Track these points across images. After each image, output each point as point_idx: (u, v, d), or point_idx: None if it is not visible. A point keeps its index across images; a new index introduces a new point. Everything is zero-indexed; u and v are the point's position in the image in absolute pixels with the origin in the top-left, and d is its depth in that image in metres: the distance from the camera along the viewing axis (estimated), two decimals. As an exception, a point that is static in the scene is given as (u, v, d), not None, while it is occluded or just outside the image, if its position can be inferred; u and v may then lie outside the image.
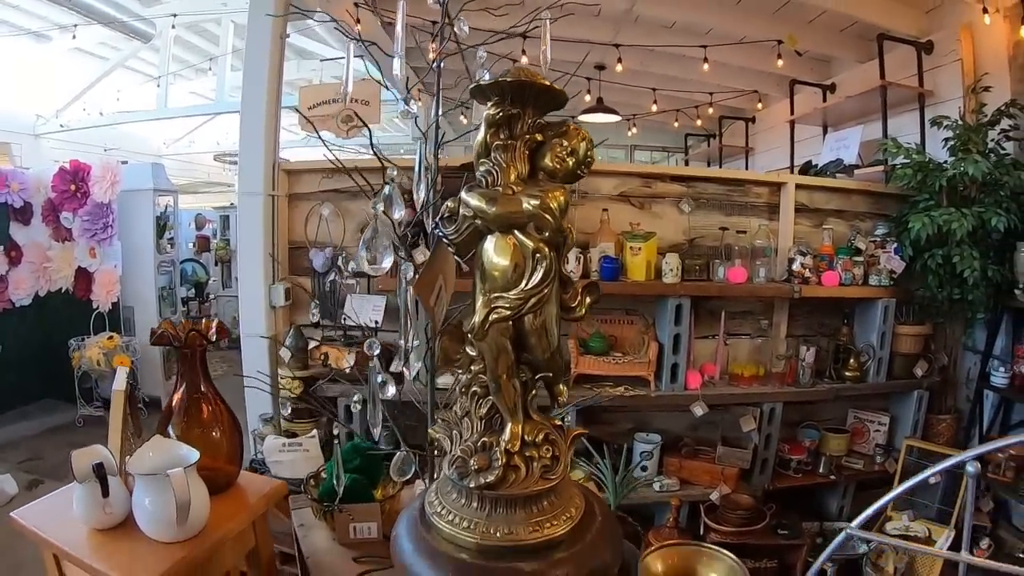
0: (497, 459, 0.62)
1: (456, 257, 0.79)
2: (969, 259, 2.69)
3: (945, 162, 2.90)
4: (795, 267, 2.68)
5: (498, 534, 0.61)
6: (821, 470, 2.89)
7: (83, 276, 4.39)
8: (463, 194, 0.70)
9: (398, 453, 1.21)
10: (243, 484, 1.17)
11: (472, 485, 0.62)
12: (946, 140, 2.94)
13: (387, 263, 1.10)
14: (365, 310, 2.73)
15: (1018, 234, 2.85)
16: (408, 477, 1.18)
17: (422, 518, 0.67)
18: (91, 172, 4.32)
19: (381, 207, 1.11)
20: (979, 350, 3.12)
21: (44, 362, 4.47)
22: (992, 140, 2.89)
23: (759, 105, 5.12)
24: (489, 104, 0.67)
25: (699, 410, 2.65)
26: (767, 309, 2.90)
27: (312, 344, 2.74)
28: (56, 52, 6.05)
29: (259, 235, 2.75)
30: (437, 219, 0.77)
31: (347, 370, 2.60)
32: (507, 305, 0.61)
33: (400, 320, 1.24)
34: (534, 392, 0.67)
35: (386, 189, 1.16)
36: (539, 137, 0.73)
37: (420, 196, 1.19)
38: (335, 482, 1.20)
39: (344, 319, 2.71)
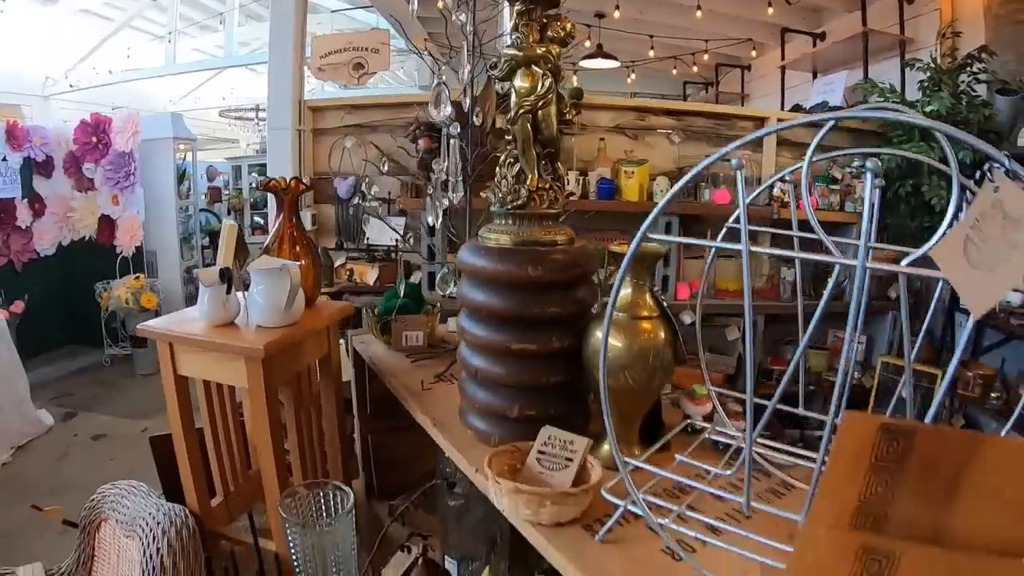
0: (524, 193, 1.06)
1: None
2: (936, 189, 3.13)
3: (917, 101, 3.33)
4: (775, 192, 3.13)
5: (524, 236, 1.05)
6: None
7: (106, 223, 4.84)
8: (504, 49, 1.14)
9: (442, 269, 1.66)
10: (320, 304, 1.62)
11: (509, 207, 1.06)
12: (920, 82, 3.37)
13: (447, 110, 1.50)
14: (386, 231, 3.19)
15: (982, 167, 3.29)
16: (450, 290, 1.63)
17: (476, 240, 1.12)
18: (112, 124, 4.75)
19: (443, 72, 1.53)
20: (952, 278, 3.57)
21: (69, 309, 4.91)
22: (963, 83, 3.31)
23: (753, 53, 5.52)
24: (517, 2, 1.11)
25: (687, 318, 3.11)
26: (751, 232, 3.34)
27: (337, 263, 3.20)
28: (63, 13, 6.45)
29: (287, 166, 3.20)
30: (489, 65, 1.21)
31: (372, 283, 3.07)
32: (528, 104, 1.05)
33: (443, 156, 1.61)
34: (544, 161, 1.11)
35: (436, 84, 1.58)
36: (545, 19, 1.16)
37: (465, 73, 1.60)
38: (391, 302, 1.68)
39: (367, 240, 3.18)
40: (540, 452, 0.90)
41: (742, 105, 6.06)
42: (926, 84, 3.32)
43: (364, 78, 3.58)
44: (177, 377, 1.43)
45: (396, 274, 3.12)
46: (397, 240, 3.16)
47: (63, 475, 3.15)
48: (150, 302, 4.46)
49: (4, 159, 4.23)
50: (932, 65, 3.34)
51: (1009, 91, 3.36)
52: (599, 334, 0.91)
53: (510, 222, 1.07)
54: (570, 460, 0.87)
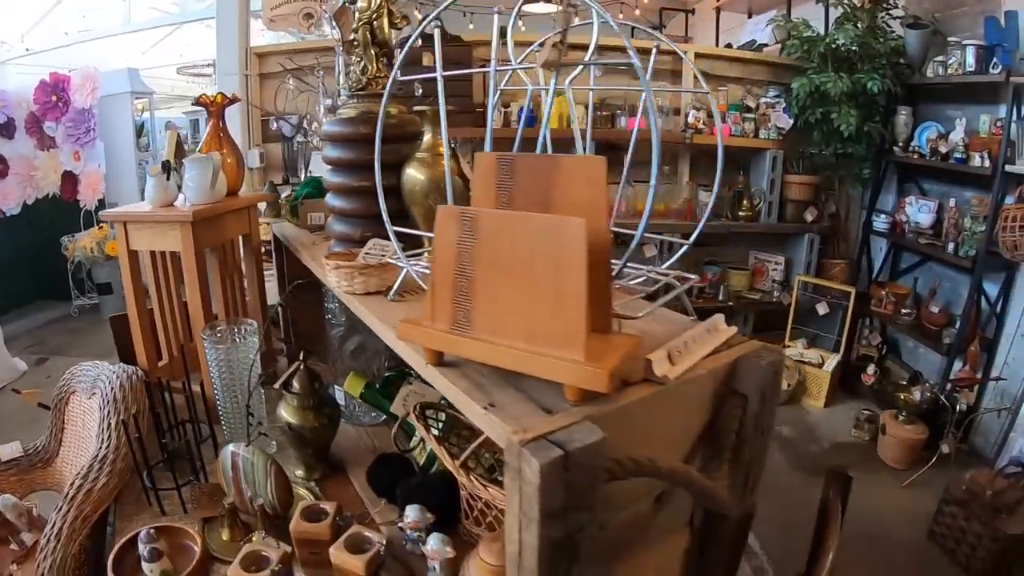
0: (364, 80, 1.49)
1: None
2: (846, 116, 3.55)
3: (827, 35, 3.75)
4: (690, 119, 3.56)
5: (363, 108, 1.48)
6: (720, 297, 3.82)
7: (69, 179, 5.22)
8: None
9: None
10: (243, 193, 2.06)
11: (354, 91, 1.49)
12: (837, 19, 3.79)
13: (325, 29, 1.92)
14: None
15: (899, 99, 3.72)
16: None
17: (334, 116, 1.55)
18: (71, 82, 5.12)
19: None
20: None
21: (36, 265, 5.32)
22: (880, 18, 3.72)
23: (696, -5, 5.95)
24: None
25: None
26: (672, 160, 3.80)
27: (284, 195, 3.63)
28: (15, -24, 6.75)
29: (235, 108, 3.60)
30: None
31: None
32: (364, 17, 1.49)
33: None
34: (381, 57, 1.55)
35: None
36: None
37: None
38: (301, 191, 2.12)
39: (309, 172, 3.61)
40: (366, 253, 1.33)
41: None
42: (840, 19, 3.74)
43: (314, 27, 3.98)
44: (130, 252, 1.87)
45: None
46: (338, 173, 3.60)
47: (37, 410, 3.59)
48: (114, 249, 4.87)
49: (-35, 125, 4.60)
50: (846, 2, 3.75)
51: (920, 25, 3.78)
52: (410, 171, 1.33)
53: (355, 101, 1.50)
54: (383, 255, 1.30)
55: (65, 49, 6.77)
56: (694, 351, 0.83)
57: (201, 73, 7.18)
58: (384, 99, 1.01)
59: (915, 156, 3.55)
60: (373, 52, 1.49)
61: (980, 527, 2.42)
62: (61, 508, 1.33)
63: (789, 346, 3.85)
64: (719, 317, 0.95)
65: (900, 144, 3.70)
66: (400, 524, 1.20)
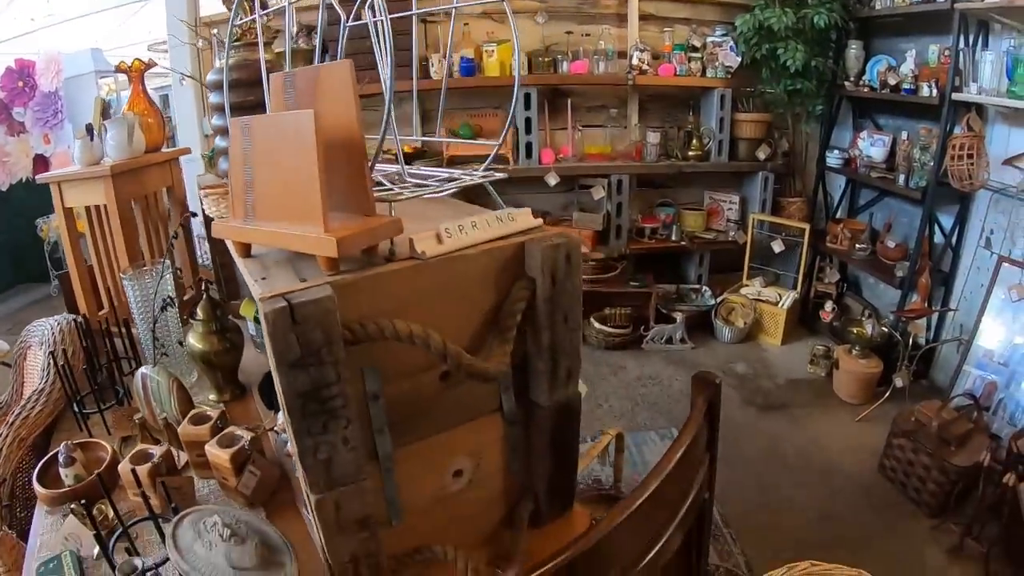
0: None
1: None
2: (792, 51, 3.62)
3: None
4: (634, 61, 3.66)
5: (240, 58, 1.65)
6: (674, 237, 3.94)
7: (41, 162, 5.41)
8: None
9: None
10: (165, 150, 2.23)
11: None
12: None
13: None
14: None
15: (851, 34, 3.76)
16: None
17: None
18: (36, 66, 5.29)
19: None
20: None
21: (15, 251, 5.54)
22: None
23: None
24: None
25: (552, 180, 3.71)
26: (621, 104, 3.91)
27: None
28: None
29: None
30: None
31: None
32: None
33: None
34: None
35: None
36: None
37: None
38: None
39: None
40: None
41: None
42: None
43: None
44: (65, 211, 2.07)
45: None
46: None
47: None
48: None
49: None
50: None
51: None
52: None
53: (234, 51, 1.64)
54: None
55: (32, 35, 6.91)
56: (473, 235, 0.94)
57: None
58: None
59: (865, 90, 3.60)
60: (246, 3, 1.64)
61: (927, 459, 2.43)
62: (1, 432, 1.54)
63: (747, 285, 3.99)
64: (523, 210, 1.04)
65: (852, 79, 3.76)
66: (274, 427, 1.38)
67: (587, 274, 3.75)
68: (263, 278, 0.89)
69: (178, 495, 1.18)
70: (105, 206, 2.00)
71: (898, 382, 3.12)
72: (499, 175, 1.14)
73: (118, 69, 2.21)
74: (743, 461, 2.82)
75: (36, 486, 1.34)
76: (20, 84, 5.30)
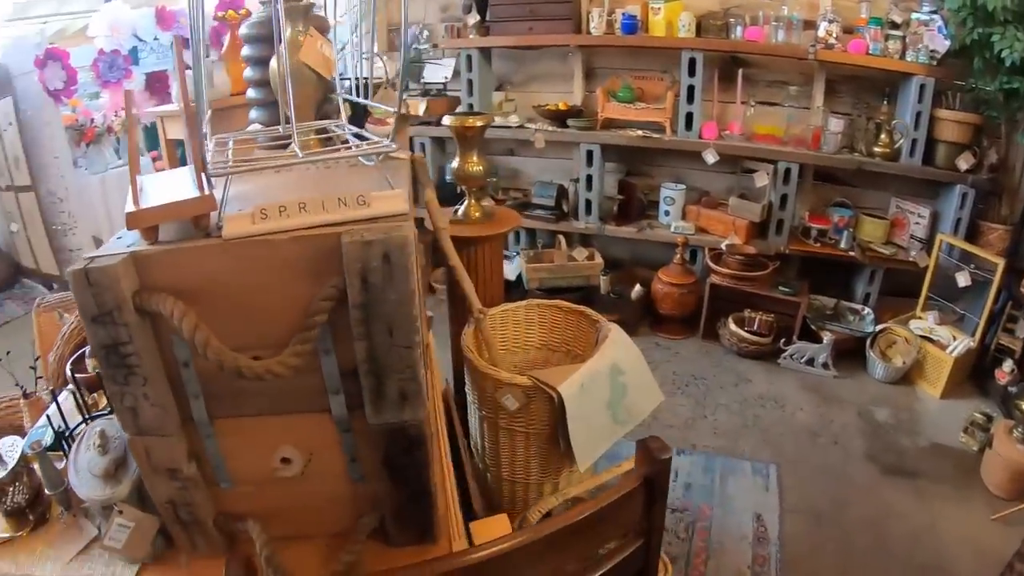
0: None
1: None
2: (1011, 40, 2.82)
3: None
4: (820, 32, 3.18)
5: None
6: (843, 245, 3.42)
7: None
8: None
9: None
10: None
11: None
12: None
13: None
14: (439, 71, 3.93)
15: None
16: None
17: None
18: None
19: None
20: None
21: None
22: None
23: None
24: None
25: (710, 157, 3.42)
26: (806, 82, 3.44)
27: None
28: None
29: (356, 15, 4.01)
30: None
31: (421, 114, 3.83)
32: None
33: None
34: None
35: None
36: None
37: None
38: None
39: (421, 79, 3.94)
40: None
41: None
42: None
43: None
44: (167, 141, 2.36)
45: (445, 106, 3.86)
46: (446, 77, 3.89)
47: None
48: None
49: None
50: None
51: None
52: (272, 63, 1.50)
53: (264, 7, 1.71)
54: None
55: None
56: (298, 218, 0.90)
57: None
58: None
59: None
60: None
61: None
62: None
63: (919, 318, 3.37)
64: (393, 192, 0.98)
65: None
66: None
67: (732, 268, 3.45)
68: (119, 238, 0.96)
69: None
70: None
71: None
72: (386, 150, 1.07)
73: (216, 18, 2.47)
74: (837, 524, 2.44)
75: (67, 372, 1.56)
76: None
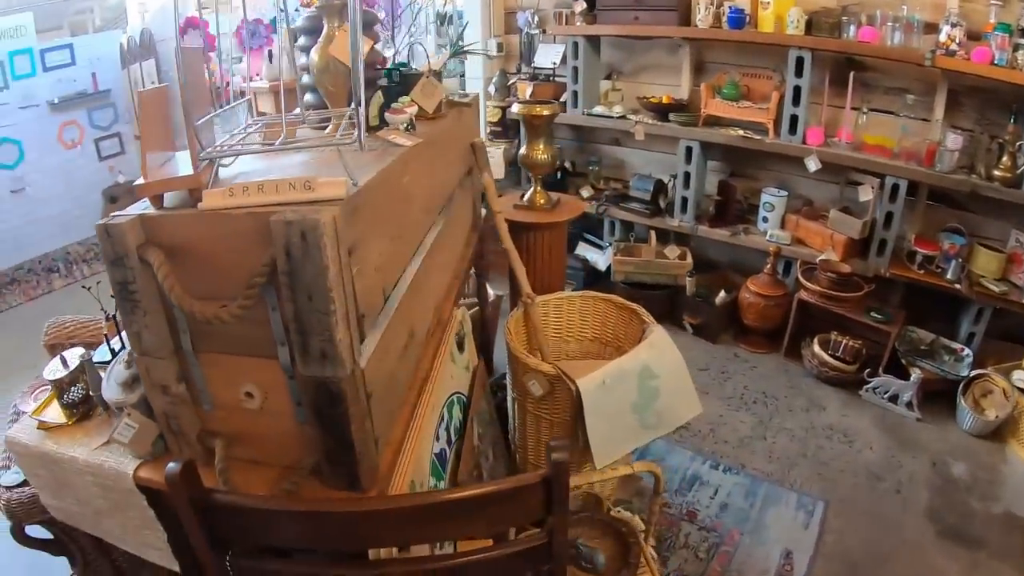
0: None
1: None
2: None
3: None
4: (941, 37, 2.95)
5: None
6: (950, 276, 3.17)
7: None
8: None
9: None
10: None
11: None
12: None
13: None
14: (549, 55, 4.05)
15: None
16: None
17: None
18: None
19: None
20: None
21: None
22: None
23: None
24: None
25: (812, 164, 3.30)
26: (927, 91, 3.20)
27: (512, 81, 4.19)
28: None
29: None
30: None
31: (528, 96, 3.98)
32: None
33: None
34: None
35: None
36: None
37: None
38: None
39: (532, 64, 4.09)
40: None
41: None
42: None
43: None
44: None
45: (552, 91, 3.98)
46: (554, 63, 4.01)
47: None
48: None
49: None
50: None
51: None
52: (313, 55, 1.69)
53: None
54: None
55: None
56: (256, 197, 1.09)
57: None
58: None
59: None
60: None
61: None
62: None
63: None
64: (335, 180, 1.12)
65: None
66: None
67: (824, 286, 3.33)
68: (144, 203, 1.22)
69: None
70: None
71: None
72: (337, 143, 1.24)
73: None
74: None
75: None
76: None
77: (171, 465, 1.08)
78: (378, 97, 1.72)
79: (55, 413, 1.54)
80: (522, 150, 2.86)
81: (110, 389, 1.38)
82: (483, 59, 4.25)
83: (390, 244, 1.38)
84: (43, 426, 1.52)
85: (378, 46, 2.01)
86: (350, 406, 1.14)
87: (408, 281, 1.50)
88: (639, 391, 1.95)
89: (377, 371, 1.25)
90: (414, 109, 1.75)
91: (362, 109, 1.23)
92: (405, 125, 1.67)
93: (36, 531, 1.73)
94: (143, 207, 1.17)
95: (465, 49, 2.30)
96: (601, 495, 2.16)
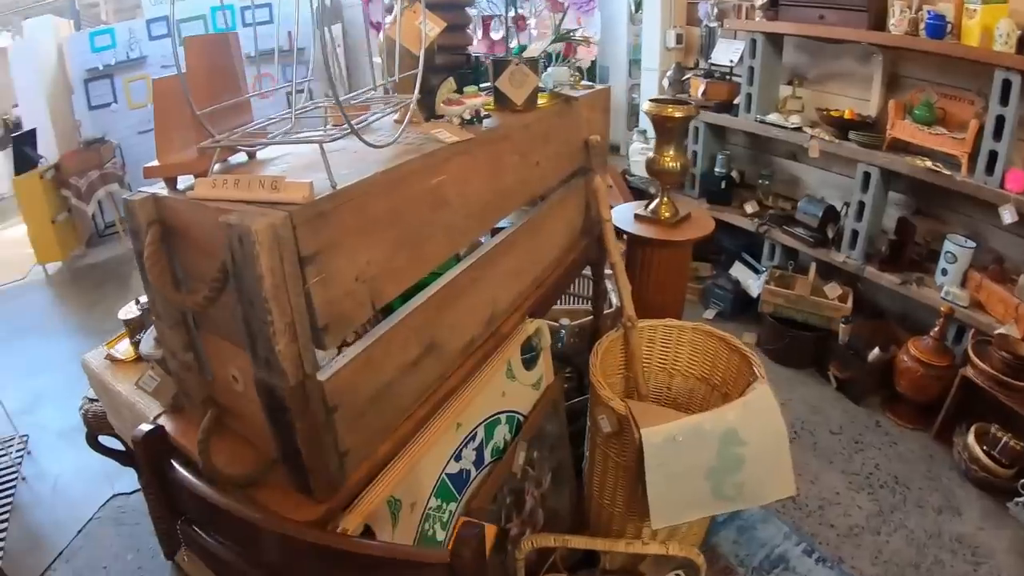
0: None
1: None
2: None
3: None
4: None
5: None
6: None
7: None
8: None
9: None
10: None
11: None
12: None
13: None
14: (726, 53, 3.76)
15: None
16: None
17: None
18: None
19: None
20: None
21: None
22: None
23: None
24: None
25: (1007, 215, 2.67)
26: None
27: (686, 76, 3.96)
28: None
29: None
30: None
31: (699, 95, 3.76)
32: None
33: None
34: None
35: None
36: None
37: None
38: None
39: (709, 60, 3.83)
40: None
41: None
42: None
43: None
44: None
45: (727, 92, 3.71)
46: (732, 61, 3.71)
47: None
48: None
49: None
50: None
51: None
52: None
53: None
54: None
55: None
56: (232, 191, 1.12)
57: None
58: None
59: None
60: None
61: None
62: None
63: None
64: (300, 182, 1.08)
65: None
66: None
67: (995, 367, 2.68)
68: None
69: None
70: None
71: None
72: (320, 140, 1.18)
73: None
74: None
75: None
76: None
77: (139, 428, 1.17)
78: (449, 84, 1.63)
79: (124, 348, 1.76)
80: (649, 155, 2.66)
81: (146, 342, 1.54)
82: (660, 50, 4.06)
83: (393, 252, 1.30)
84: (110, 357, 1.74)
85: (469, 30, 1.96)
86: (295, 418, 1.12)
87: (431, 292, 1.44)
88: (719, 456, 1.74)
89: (353, 383, 1.22)
90: (479, 100, 1.64)
91: (375, 94, 1.21)
92: (468, 117, 1.59)
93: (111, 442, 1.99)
94: (160, 188, 1.26)
95: (569, 37, 2.08)
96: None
